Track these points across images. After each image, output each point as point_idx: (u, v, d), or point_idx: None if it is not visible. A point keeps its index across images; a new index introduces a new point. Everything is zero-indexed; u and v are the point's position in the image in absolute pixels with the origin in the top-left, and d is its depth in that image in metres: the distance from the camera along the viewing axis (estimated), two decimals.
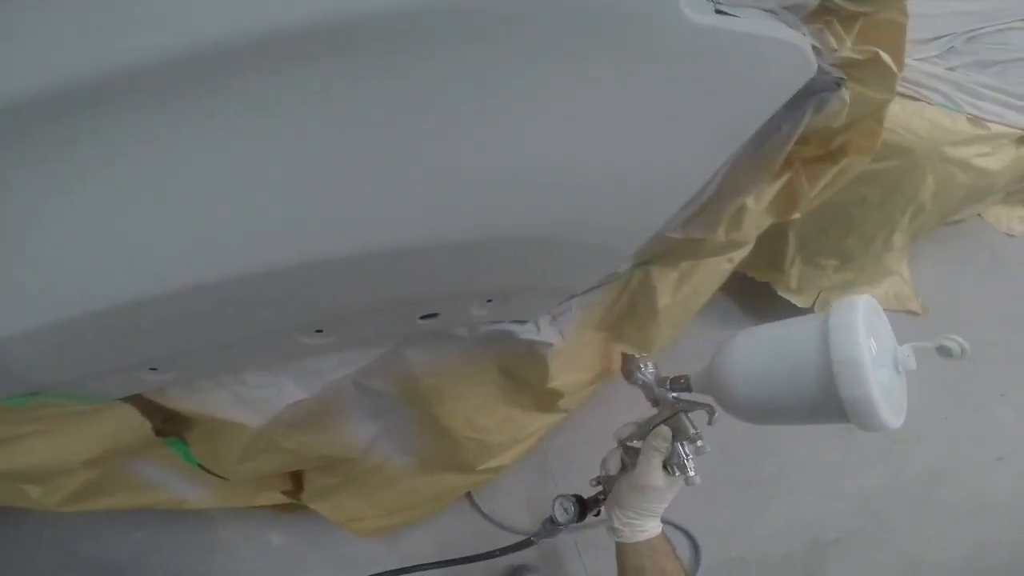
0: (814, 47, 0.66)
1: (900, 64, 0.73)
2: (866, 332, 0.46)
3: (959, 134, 1.34)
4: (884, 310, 0.51)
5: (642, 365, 0.63)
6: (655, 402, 0.62)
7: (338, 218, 0.51)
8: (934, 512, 1.32)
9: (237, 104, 0.42)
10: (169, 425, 0.81)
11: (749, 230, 0.82)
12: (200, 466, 0.88)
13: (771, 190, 0.80)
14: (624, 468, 0.64)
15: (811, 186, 0.81)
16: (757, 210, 0.78)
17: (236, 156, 0.45)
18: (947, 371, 1.44)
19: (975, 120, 1.38)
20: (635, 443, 0.63)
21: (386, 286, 0.61)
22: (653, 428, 0.60)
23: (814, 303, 1.53)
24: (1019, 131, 1.43)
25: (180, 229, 0.48)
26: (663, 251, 0.80)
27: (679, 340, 1.16)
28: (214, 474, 0.90)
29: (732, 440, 1.26)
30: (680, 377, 0.61)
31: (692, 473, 0.58)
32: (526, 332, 0.78)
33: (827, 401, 0.47)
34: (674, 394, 0.60)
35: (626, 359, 0.64)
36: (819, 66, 0.68)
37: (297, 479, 0.99)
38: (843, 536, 1.28)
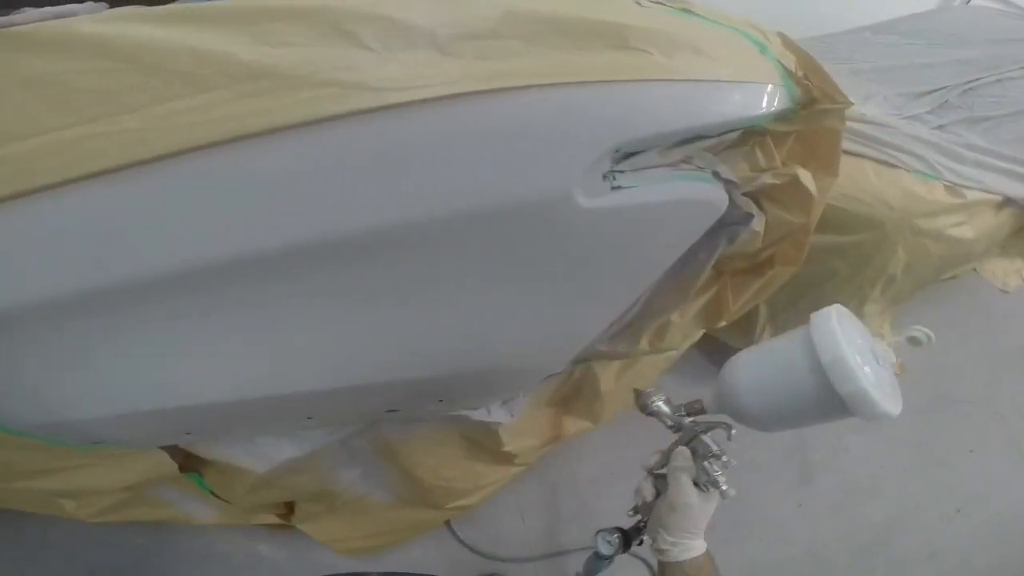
0: (728, 181, 0.68)
1: (834, 172, 0.71)
2: (844, 333, 0.54)
3: (934, 204, 1.30)
4: None
5: (655, 397, 0.68)
6: (674, 428, 0.67)
7: (353, 358, 0.70)
8: (883, 560, 1.35)
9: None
10: (189, 462, 0.99)
11: (674, 339, 0.92)
12: (212, 493, 1.06)
13: (698, 303, 0.89)
14: (659, 494, 0.67)
15: (736, 299, 0.89)
16: (682, 323, 0.89)
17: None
18: (917, 426, 1.49)
19: (952, 188, 1.34)
20: (663, 470, 0.66)
21: (368, 399, 0.78)
22: (672, 452, 0.65)
23: None
24: (997, 197, 1.38)
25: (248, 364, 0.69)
26: (597, 355, 0.92)
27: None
28: (222, 499, 1.08)
29: None
30: (694, 402, 0.66)
31: (725, 487, 0.60)
32: (478, 415, 0.94)
33: (829, 399, 0.53)
34: (691, 418, 0.65)
35: (638, 394, 0.70)
36: (732, 200, 0.70)
37: (290, 505, 1.16)
38: None
